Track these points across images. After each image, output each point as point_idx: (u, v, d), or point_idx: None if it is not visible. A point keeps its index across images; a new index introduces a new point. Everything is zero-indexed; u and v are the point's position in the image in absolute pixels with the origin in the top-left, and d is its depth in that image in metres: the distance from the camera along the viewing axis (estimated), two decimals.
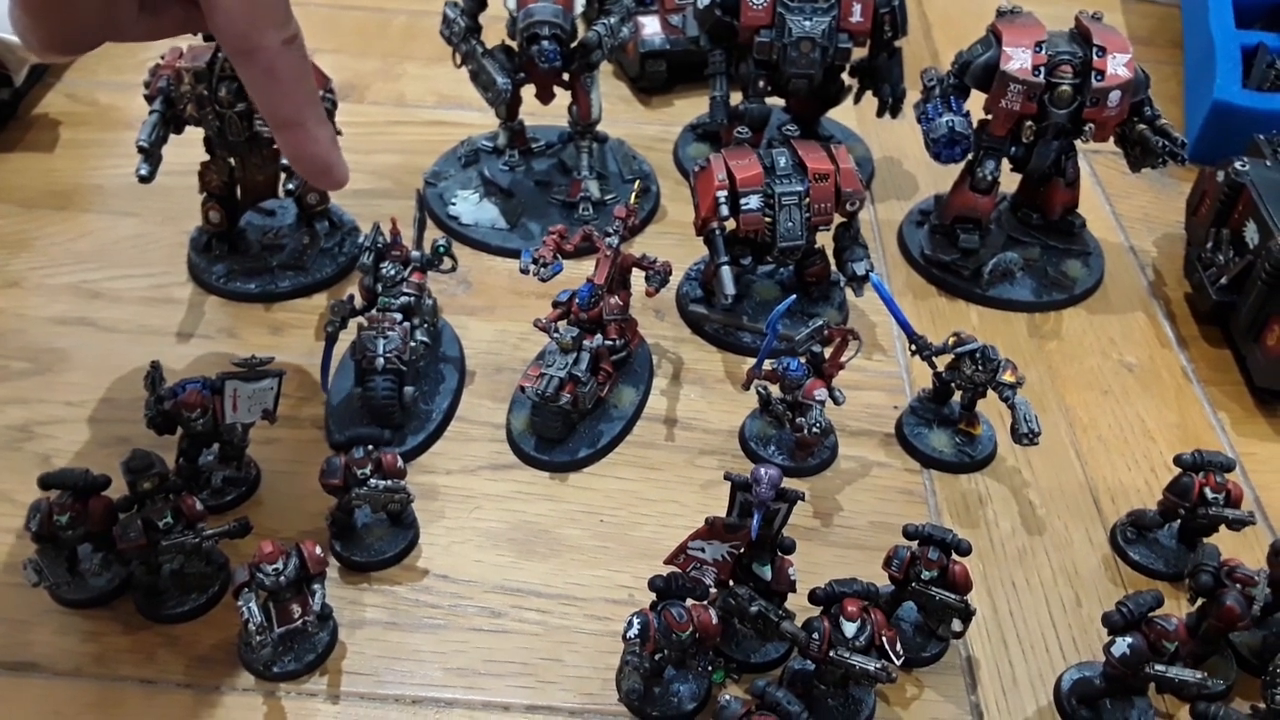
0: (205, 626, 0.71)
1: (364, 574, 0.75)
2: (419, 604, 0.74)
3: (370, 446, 0.73)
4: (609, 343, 0.86)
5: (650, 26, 1.24)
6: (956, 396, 0.85)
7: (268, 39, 0.52)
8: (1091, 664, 0.70)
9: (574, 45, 0.99)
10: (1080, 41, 0.94)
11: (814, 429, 0.79)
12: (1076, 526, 0.81)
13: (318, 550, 0.67)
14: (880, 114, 1.10)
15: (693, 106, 1.23)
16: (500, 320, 0.96)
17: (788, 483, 0.79)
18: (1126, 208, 1.13)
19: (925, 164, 1.04)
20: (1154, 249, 1.08)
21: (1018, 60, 0.92)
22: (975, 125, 0.97)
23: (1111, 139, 0.98)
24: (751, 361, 0.84)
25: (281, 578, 0.66)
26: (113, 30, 0.55)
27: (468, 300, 0.98)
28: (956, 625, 0.69)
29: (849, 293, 0.96)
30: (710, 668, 0.68)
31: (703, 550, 0.67)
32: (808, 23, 0.98)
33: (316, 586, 0.68)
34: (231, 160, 0.93)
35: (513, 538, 0.78)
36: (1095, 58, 0.91)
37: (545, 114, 1.08)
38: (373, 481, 0.72)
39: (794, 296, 0.83)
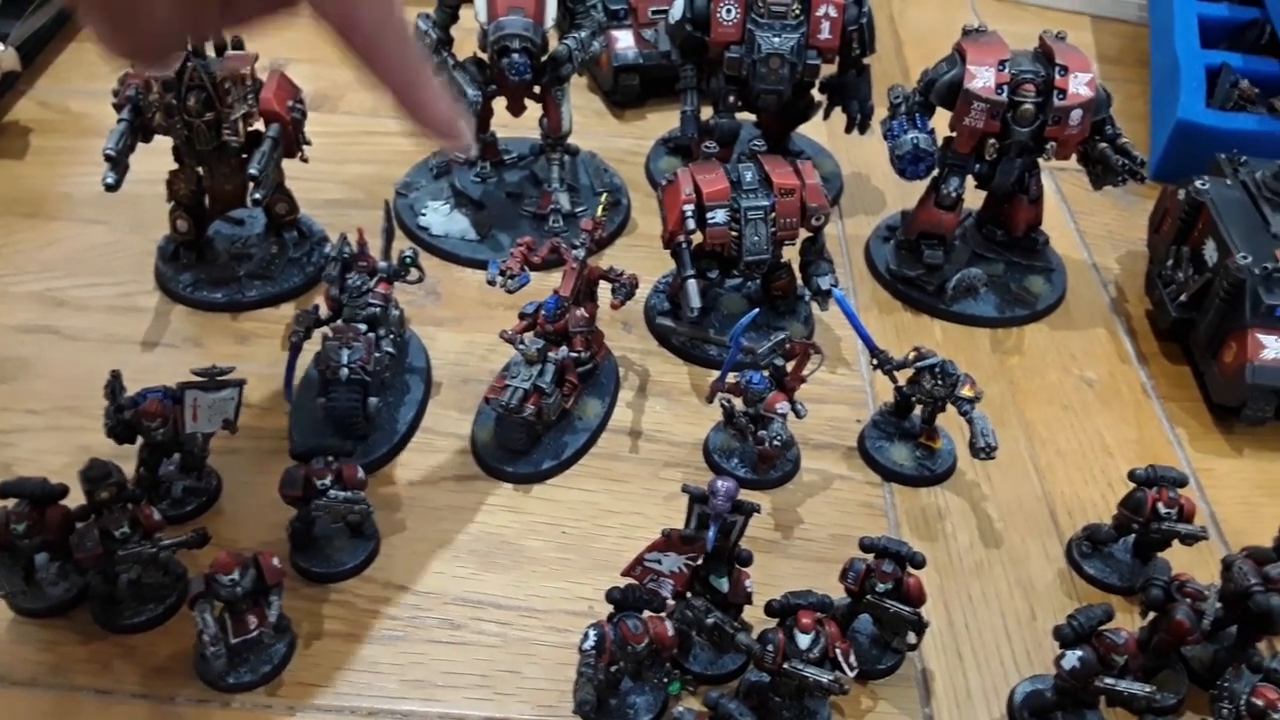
0: (162, 637, 0.71)
1: (323, 585, 0.75)
2: (378, 615, 0.74)
3: (330, 458, 0.73)
4: (574, 355, 0.87)
5: (624, 41, 1.25)
6: (917, 411, 0.86)
7: (363, 13, 0.51)
8: (1044, 677, 0.71)
9: (544, 58, 1.00)
10: (1043, 60, 0.95)
11: (775, 442, 0.80)
12: (1033, 540, 0.82)
13: (275, 561, 0.68)
14: (849, 130, 1.11)
15: (665, 120, 1.24)
16: (469, 332, 0.96)
17: (750, 496, 0.80)
18: (1090, 225, 1.14)
19: (893, 180, 1.05)
20: (1117, 266, 1.09)
21: (981, 79, 0.93)
22: (940, 142, 0.99)
23: (1074, 157, 0.99)
24: (717, 374, 0.84)
25: (238, 588, 0.66)
26: (196, 29, 0.53)
27: (436, 311, 0.98)
28: (911, 638, 0.70)
29: (814, 307, 0.97)
30: (666, 679, 0.68)
31: (660, 562, 0.67)
32: (777, 39, 0.99)
33: (273, 597, 0.68)
34: (199, 169, 0.93)
35: (474, 549, 0.79)
36: (1057, 76, 0.93)
37: (518, 126, 1.09)
38: (332, 493, 0.72)
39: (757, 310, 0.84)
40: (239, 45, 0.90)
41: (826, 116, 1.12)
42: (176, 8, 0.46)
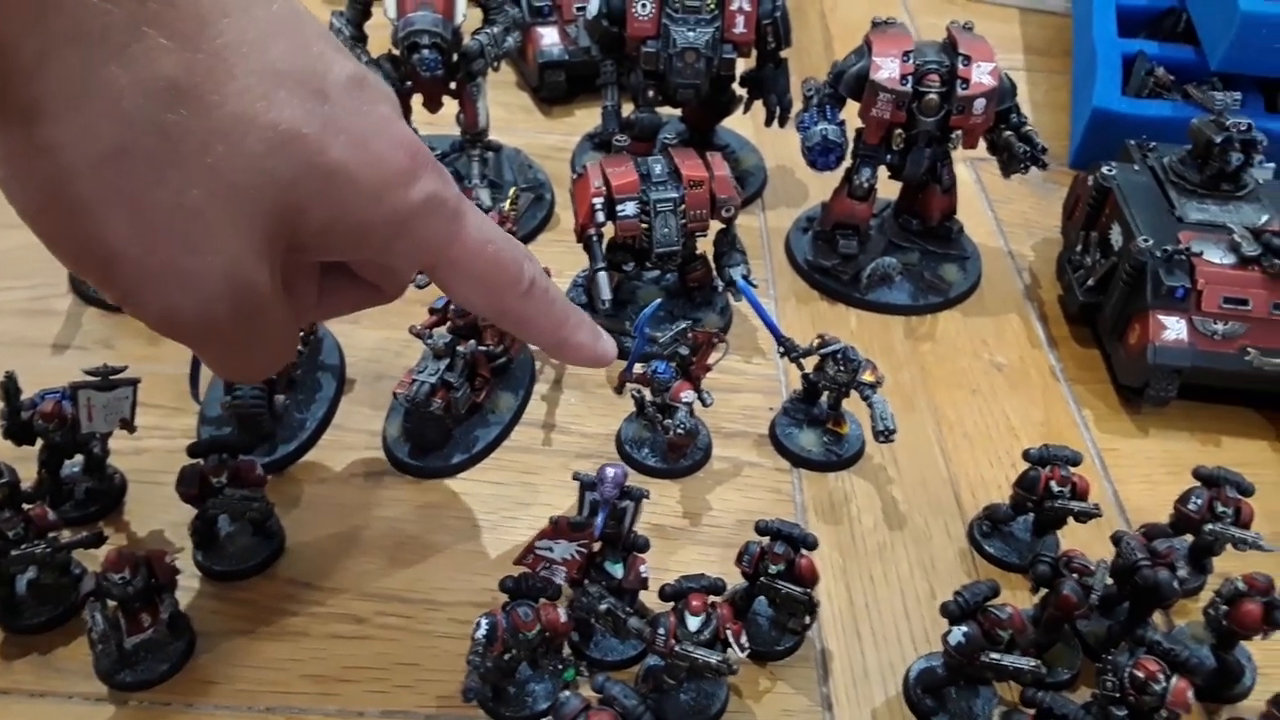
0: (61, 637, 0.71)
1: (227, 583, 0.75)
2: (281, 612, 0.74)
3: (224, 454, 0.73)
4: (485, 349, 0.87)
5: (549, 37, 1.25)
6: (825, 397, 0.87)
7: (507, 303, 0.55)
8: (939, 654, 0.71)
9: (456, 55, 1.00)
10: (948, 50, 0.96)
11: (679, 430, 0.81)
12: (936, 521, 0.83)
13: (167, 559, 0.68)
14: (768, 123, 1.12)
15: (593, 116, 1.24)
16: (384, 329, 0.96)
17: (660, 484, 0.81)
18: (1007, 213, 1.16)
19: (816, 173, 1.06)
20: (1032, 253, 1.11)
21: (886, 70, 0.94)
22: (852, 134, 1.00)
23: (984, 146, 1.00)
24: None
25: (129, 587, 0.66)
26: (297, 339, 0.56)
27: None
28: (806, 618, 0.71)
29: (730, 297, 0.97)
30: (561, 666, 0.68)
31: (551, 550, 0.68)
32: (691, 33, 1.00)
33: (167, 595, 0.68)
34: None
35: (381, 545, 0.79)
36: (960, 66, 0.94)
37: (439, 124, 1.09)
38: (228, 490, 0.72)
39: (660, 300, 0.85)
40: None
41: (746, 110, 1.13)
42: (290, 330, 0.49)
